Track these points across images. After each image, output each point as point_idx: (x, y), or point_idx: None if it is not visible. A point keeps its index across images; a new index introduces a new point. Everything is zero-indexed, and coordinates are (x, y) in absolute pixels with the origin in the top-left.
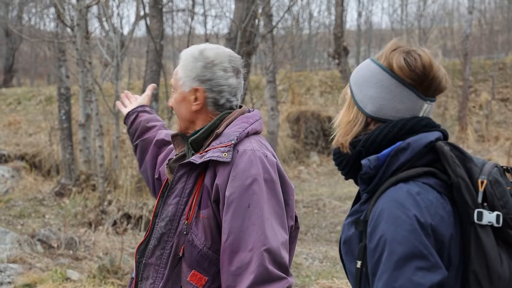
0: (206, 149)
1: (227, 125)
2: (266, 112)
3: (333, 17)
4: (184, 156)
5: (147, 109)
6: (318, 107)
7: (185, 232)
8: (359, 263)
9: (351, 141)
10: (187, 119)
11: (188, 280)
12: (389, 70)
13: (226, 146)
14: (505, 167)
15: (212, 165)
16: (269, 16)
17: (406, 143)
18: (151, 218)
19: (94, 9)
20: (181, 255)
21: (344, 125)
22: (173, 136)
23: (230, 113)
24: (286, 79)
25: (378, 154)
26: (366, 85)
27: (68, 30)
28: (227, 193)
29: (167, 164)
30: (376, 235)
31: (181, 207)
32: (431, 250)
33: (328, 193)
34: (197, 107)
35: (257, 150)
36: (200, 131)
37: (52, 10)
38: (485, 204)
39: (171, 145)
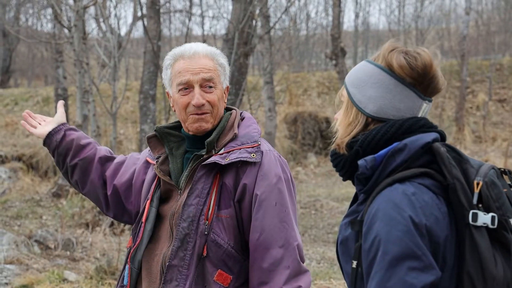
0: (227, 150)
1: (238, 126)
2: (264, 113)
3: (330, 18)
4: (166, 158)
5: (72, 126)
6: (316, 108)
7: (206, 232)
8: (354, 263)
9: (349, 142)
10: (220, 116)
11: (214, 279)
12: (388, 70)
13: (253, 147)
14: (502, 169)
15: (234, 165)
16: (266, 17)
17: (402, 144)
18: (143, 224)
19: (92, 10)
20: (204, 255)
21: (344, 127)
22: (149, 138)
23: (231, 113)
24: (283, 80)
25: (375, 155)
26: (365, 86)
27: (66, 31)
28: (258, 192)
29: (156, 167)
30: (371, 235)
31: (200, 207)
32: (424, 250)
33: (325, 194)
34: (225, 105)
35: (274, 151)
36: (215, 132)
37: (50, 11)
38: (480, 205)
39: (116, 160)
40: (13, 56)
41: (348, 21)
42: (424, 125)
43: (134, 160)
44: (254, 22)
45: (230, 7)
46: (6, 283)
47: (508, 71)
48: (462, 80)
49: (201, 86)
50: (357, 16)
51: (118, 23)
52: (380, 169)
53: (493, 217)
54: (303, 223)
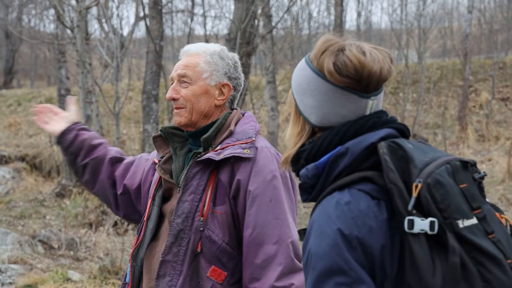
0: (222, 147)
1: (235, 124)
2: (266, 113)
3: (332, 17)
4: (170, 157)
5: (85, 126)
6: None
7: (201, 229)
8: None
9: (297, 152)
10: (203, 113)
11: (208, 275)
12: (323, 75)
13: (246, 143)
14: (465, 161)
15: (229, 162)
16: (268, 17)
17: (344, 148)
18: (144, 222)
19: (94, 10)
20: (198, 251)
21: (294, 138)
22: (154, 138)
23: (231, 112)
24: (286, 80)
25: (316, 162)
26: (306, 94)
27: (68, 31)
28: (251, 188)
29: (158, 166)
30: (306, 248)
31: (195, 203)
32: (352, 265)
33: None
34: (221, 102)
35: (271, 148)
36: (212, 129)
37: (52, 11)
38: (415, 211)
39: (126, 160)
40: (15, 57)
41: (350, 20)
42: (373, 125)
43: (144, 161)
44: (256, 21)
45: (232, 7)
46: (10, 283)
47: (511, 70)
48: (465, 79)
49: (178, 81)
50: (359, 15)
51: (120, 24)
52: (323, 177)
53: (432, 223)
54: (306, 222)
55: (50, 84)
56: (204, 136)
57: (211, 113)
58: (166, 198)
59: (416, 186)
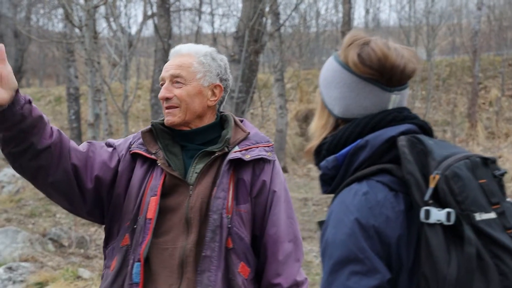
0: (244, 148)
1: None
2: (275, 111)
3: (340, 15)
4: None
5: (30, 97)
6: None
7: (229, 225)
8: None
9: (318, 145)
10: (197, 113)
11: (238, 271)
12: (348, 67)
13: (269, 146)
14: (485, 158)
15: (251, 162)
16: (276, 15)
17: (364, 141)
18: (151, 221)
19: (102, 9)
20: (230, 247)
21: (318, 130)
22: (144, 133)
23: (225, 115)
24: (294, 77)
25: (336, 154)
26: (331, 87)
27: (76, 30)
28: (275, 189)
29: (162, 163)
30: (324, 238)
31: (225, 201)
32: (368, 254)
33: None
34: (213, 103)
35: None
36: (229, 129)
37: (60, 10)
38: (431, 201)
39: (81, 147)
40: (24, 56)
41: (358, 17)
42: (394, 119)
43: (103, 150)
44: (264, 19)
45: (240, 5)
46: (22, 281)
47: None
48: (474, 76)
49: (171, 81)
50: (367, 12)
51: (128, 22)
52: (343, 169)
53: (448, 213)
54: (315, 220)
55: (59, 83)
56: (227, 136)
57: (204, 114)
58: (164, 194)
59: (434, 178)
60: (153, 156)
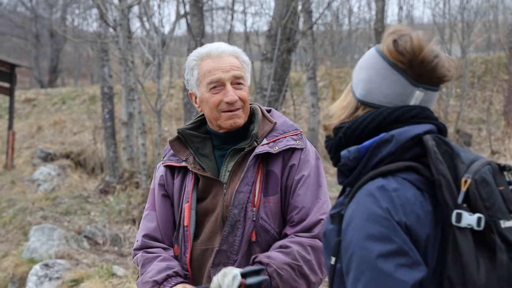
0: (271, 140)
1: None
2: (307, 109)
3: (373, 12)
4: (194, 158)
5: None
6: None
7: (254, 218)
8: (333, 260)
9: (336, 126)
10: (248, 111)
11: None
12: (382, 52)
13: (296, 135)
14: (502, 165)
15: (281, 153)
16: (308, 13)
17: (390, 135)
18: (188, 228)
19: (136, 9)
20: (253, 240)
21: (338, 110)
22: (172, 142)
23: (255, 108)
24: (326, 76)
25: (359, 146)
26: (361, 70)
27: (111, 30)
28: (303, 172)
29: (193, 168)
30: (350, 231)
31: (248, 194)
32: (412, 246)
33: None
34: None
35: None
36: (256, 124)
37: (95, 10)
38: (465, 205)
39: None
40: (60, 56)
41: (392, 14)
42: (416, 115)
43: (164, 198)
44: (296, 18)
45: (273, 4)
46: (58, 278)
47: None
48: (510, 73)
49: (231, 83)
50: (401, 9)
51: (161, 22)
52: (364, 161)
53: (479, 219)
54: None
55: (93, 82)
56: (254, 131)
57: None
58: (200, 199)
59: (466, 181)
60: (183, 164)
